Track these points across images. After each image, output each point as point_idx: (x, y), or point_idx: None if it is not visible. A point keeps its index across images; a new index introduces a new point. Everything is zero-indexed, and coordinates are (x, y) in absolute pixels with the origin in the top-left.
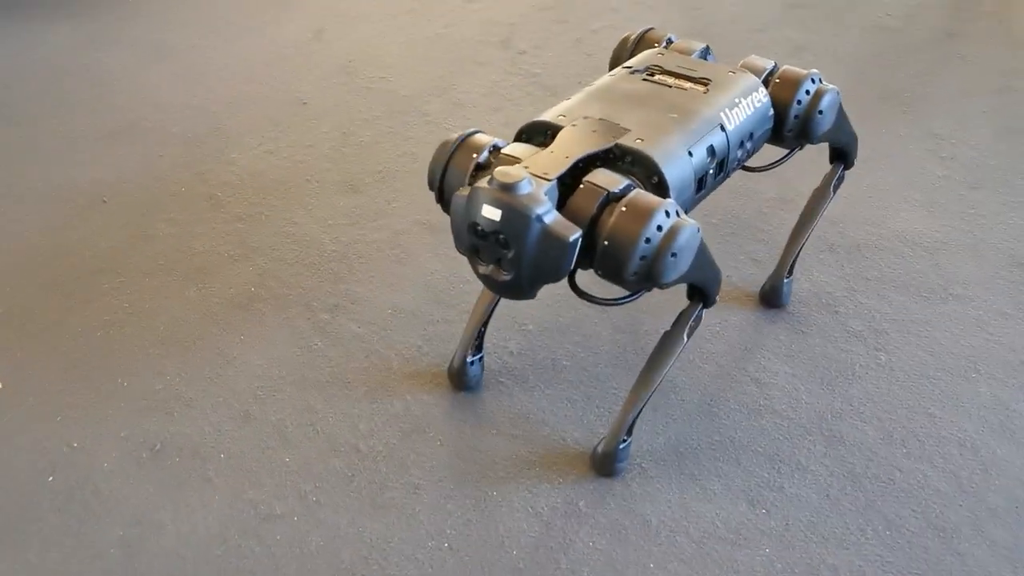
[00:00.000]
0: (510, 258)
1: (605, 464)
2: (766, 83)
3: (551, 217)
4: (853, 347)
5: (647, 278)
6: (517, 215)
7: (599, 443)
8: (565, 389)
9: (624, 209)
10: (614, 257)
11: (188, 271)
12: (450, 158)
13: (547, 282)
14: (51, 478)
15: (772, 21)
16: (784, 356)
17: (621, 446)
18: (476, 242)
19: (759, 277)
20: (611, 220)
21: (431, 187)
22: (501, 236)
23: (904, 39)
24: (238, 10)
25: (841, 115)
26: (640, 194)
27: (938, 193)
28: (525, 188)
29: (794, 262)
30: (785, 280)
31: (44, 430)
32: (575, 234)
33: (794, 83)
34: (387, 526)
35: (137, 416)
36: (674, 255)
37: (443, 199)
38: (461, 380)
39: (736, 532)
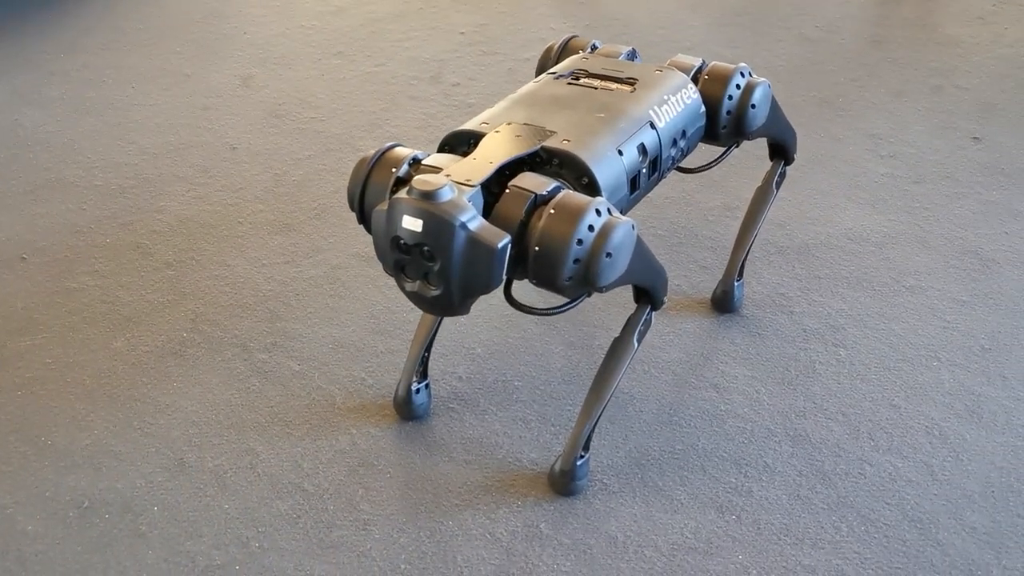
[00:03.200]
0: (436, 271)
1: (564, 483)
2: (695, 80)
3: (476, 224)
4: (811, 345)
5: (584, 282)
6: (440, 223)
7: (556, 461)
8: (519, 410)
9: (553, 211)
10: (546, 262)
11: (115, 322)
12: (368, 174)
13: (479, 294)
14: None
15: (700, 40)
16: (742, 359)
17: (579, 462)
18: (400, 258)
19: (709, 284)
20: (540, 224)
21: (351, 206)
22: (425, 248)
23: (832, 48)
24: (162, 64)
25: (775, 108)
26: (569, 195)
27: (882, 190)
28: (446, 195)
29: (743, 264)
30: (736, 283)
31: None
32: (503, 240)
33: (724, 78)
34: (337, 566)
35: (62, 474)
36: (609, 255)
37: (364, 218)
38: (407, 409)
39: (707, 541)
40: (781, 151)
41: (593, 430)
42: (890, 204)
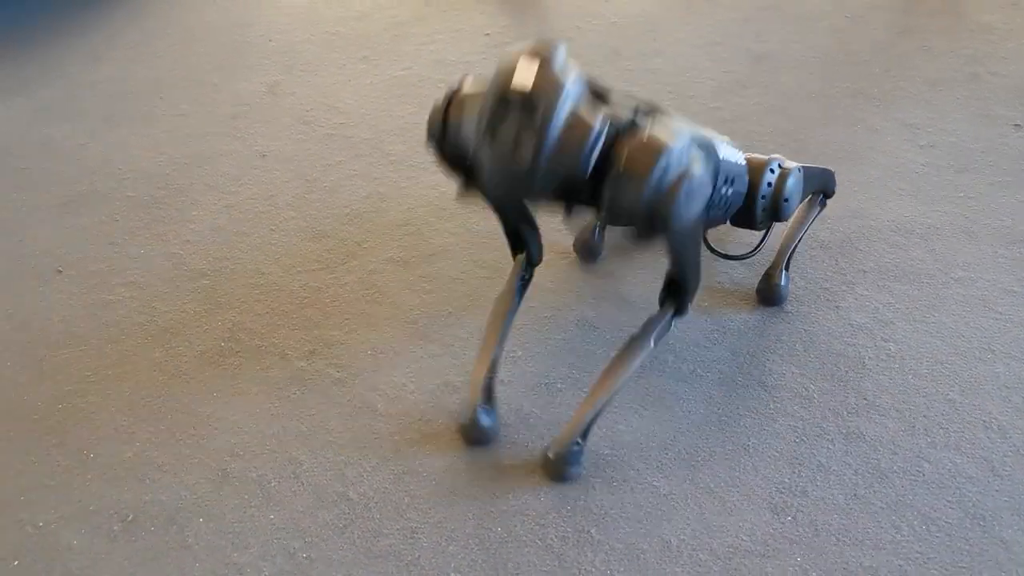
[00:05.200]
0: (534, 129)
1: (558, 468)
2: None
3: (579, 92)
4: (860, 340)
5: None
6: (551, 83)
7: (548, 448)
8: (563, 413)
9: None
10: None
11: (153, 333)
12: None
13: (560, 177)
14: (16, 563)
15: (727, 35)
16: (789, 356)
17: (575, 448)
18: (497, 116)
19: (752, 280)
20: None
21: (430, 134)
22: (530, 103)
23: (864, 38)
24: (188, 74)
25: (809, 176)
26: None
27: (923, 180)
28: (561, 55)
29: (790, 258)
30: (783, 274)
31: (6, 512)
32: (599, 121)
33: (757, 172)
34: None
35: (106, 487)
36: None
37: (445, 137)
38: (475, 434)
39: (763, 543)
40: (821, 192)
41: (594, 421)
42: (933, 195)
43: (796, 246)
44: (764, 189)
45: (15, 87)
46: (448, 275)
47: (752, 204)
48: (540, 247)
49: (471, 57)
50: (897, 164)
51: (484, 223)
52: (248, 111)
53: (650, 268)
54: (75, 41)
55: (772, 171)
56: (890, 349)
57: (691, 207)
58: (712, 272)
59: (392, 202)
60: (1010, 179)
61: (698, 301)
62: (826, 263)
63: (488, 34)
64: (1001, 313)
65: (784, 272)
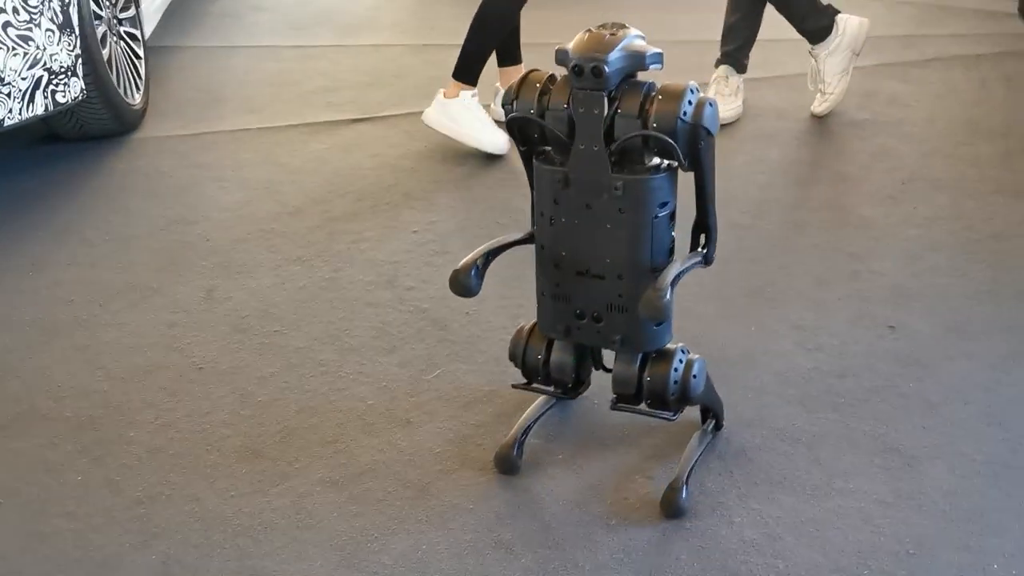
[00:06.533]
0: None
1: None
2: None
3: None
4: (751, 558)
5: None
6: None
7: None
8: None
9: None
10: None
11: (88, 569)
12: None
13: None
14: None
15: None
16: None
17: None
18: None
19: (656, 493)
20: None
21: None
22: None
23: (760, 234)
24: (128, 278)
25: (709, 379)
26: None
27: (809, 386)
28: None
29: (690, 473)
30: (684, 487)
31: None
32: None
33: (666, 362)
34: None
35: None
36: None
37: None
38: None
39: None
40: (713, 417)
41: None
42: (817, 401)
43: (695, 464)
44: (673, 375)
45: None
46: (375, 496)
47: (664, 390)
48: None
49: (399, 256)
50: (786, 369)
51: (408, 440)
52: (185, 318)
53: (564, 480)
54: (16, 244)
55: (681, 361)
56: (779, 567)
57: (715, 123)
58: (623, 487)
59: (323, 417)
60: (884, 384)
61: (606, 520)
62: (722, 475)
63: (415, 231)
64: (876, 526)
65: (685, 486)
